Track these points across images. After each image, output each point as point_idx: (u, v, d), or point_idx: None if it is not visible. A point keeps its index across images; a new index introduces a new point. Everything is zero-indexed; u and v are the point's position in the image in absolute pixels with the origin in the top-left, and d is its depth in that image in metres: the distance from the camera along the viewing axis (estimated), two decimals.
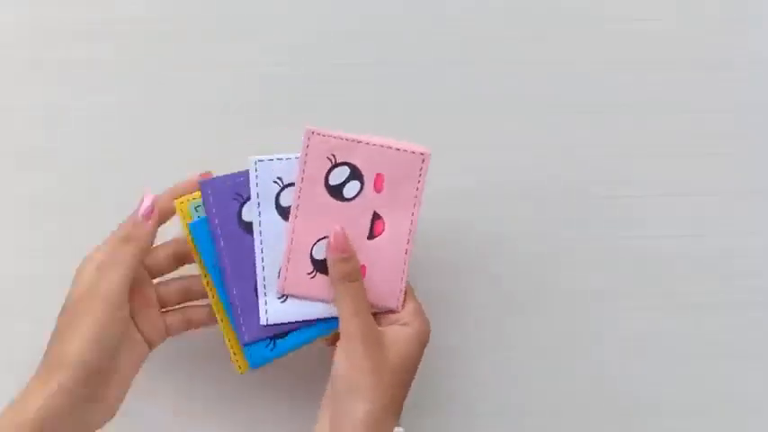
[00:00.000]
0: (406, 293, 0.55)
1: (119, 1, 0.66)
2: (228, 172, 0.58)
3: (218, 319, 0.55)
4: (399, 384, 0.52)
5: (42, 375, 0.51)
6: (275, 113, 0.65)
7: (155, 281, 0.57)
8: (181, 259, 0.57)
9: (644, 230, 0.65)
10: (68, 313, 0.52)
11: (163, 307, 0.57)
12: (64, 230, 0.64)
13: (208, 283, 0.55)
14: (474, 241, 0.64)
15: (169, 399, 0.63)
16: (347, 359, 0.51)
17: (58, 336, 0.52)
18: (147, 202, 0.54)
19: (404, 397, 0.53)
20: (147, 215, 0.54)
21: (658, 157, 0.66)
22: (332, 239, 0.53)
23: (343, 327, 0.52)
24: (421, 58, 0.66)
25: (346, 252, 0.53)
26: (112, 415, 0.53)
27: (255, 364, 0.54)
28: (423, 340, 0.54)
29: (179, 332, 0.57)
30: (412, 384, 0.54)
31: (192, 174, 0.56)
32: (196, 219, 0.54)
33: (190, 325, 0.57)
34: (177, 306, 0.57)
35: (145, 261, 0.55)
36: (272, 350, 0.54)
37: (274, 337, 0.54)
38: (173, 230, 0.57)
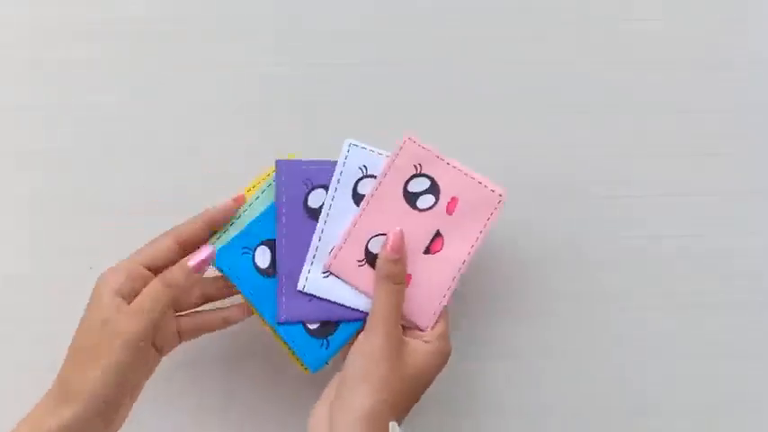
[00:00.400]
0: (439, 318, 0.55)
1: (119, 1, 0.66)
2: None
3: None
4: (408, 393, 0.52)
5: (57, 400, 0.51)
6: (275, 113, 0.65)
7: None
8: (184, 245, 0.56)
9: (644, 230, 0.65)
10: (91, 343, 0.51)
11: (178, 311, 0.56)
12: (63, 230, 0.64)
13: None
14: None
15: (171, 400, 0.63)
16: (367, 350, 0.52)
17: (76, 365, 0.51)
18: (203, 255, 0.54)
19: (409, 407, 0.53)
20: (199, 269, 0.53)
21: (658, 157, 0.66)
22: (390, 237, 0.54)
23: (372, 322, 0.53)
24: (421, 59, 0.66)
25: (399, 253, 0.54)
26: (120, 426, 0.53)
27: (315, 368, 0.55)
28: (441, 361, 0.54)
29: (191, 338, 0.57)
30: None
31: (225, 200, 0.56)
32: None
33: (201, 332, 0.57)
34: (189, 311, 0.57)
35: (153, 260, 0.54)
36: (326, 348, 0.55)
37: (324, 336, 0.55)
38: None
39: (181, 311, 0.57)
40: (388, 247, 0.54)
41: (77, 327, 0.52)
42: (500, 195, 0.55)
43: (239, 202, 0.56)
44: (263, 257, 0.56)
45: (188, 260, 0.53)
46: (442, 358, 0.54)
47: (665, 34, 0.67)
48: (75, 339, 0.52)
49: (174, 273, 0.53)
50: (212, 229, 0.56)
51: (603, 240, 0.65)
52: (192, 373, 0.63)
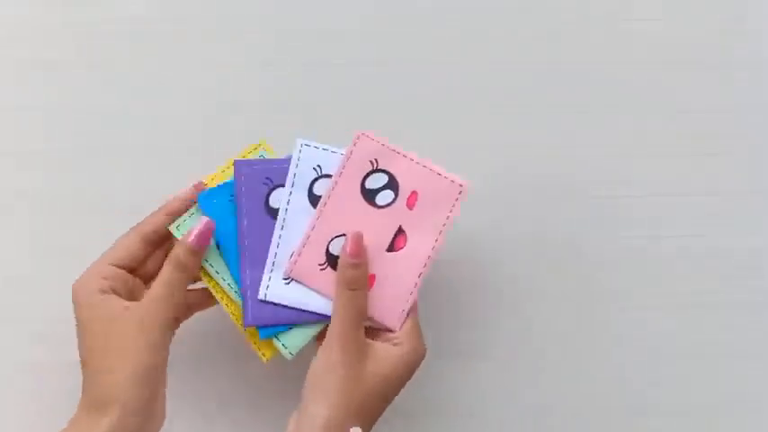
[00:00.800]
0: (408, 315, 0.54)
1: (119, 1, 0.66)
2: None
3: (235, 317, 0.55)
4: (374, 400, 0.51)
5: (90, 413, 0.50)
6: (275, 113, 0.65)
7: None
8: (150, 240, 0.55)
9: (644, 230, 0.65)
10: (107, 345, 0.50)
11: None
12: (63, 230, 0.64)
13: (215, 287, 0.55)
14: (474, 241, 0.64)
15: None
16: (324, 360, 0.51)
17: (99, 372, 0.50)
18: (199, 227, 0.53)
19: (377, 414, 0.52)
20: (199, 242, 0.53)
21: (658, 157, 0.66)
22: (349, 241, 0.52)
23: (330, 328, 0.52)
24: (421, 59, 0.66)
25: (358, 258, 0.52)
26: (164, 418, 0.53)
27: (266, 334, 0.54)
28: (411, 363, 0.52)
29: (184, 320, 0.57)
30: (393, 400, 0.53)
31: (185, 188, 0.55)
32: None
33: (191, 311, 0.57)
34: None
35: (123, 259, 0.54)
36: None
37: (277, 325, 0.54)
38: None
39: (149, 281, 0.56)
40: (347, 251, 0.52)
41: (78, 338, 0.52)
42: (460, 186, 0.54)
43: (198, 189, 0.55)
44: None
45: (186, 238, 0.53)
46: (415, 359, 0.53)
47: (665, 34, 0.67)
48: (84, 347, 0.51)
49: (179, 253, 0.52)
50: (175, 217, 0.55)
51: (603, 240, 0.65)
52: (190, 370, 0.63)
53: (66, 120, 0.65)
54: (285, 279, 0.54)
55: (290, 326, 0.54)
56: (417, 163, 0.54)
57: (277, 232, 0.54)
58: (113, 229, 0.63)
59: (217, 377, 0.63)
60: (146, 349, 0.50)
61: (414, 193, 0.54)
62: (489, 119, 0.65)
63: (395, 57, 0.66)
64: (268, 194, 0.54)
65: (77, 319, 0.52)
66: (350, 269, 0.52)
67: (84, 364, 0.51)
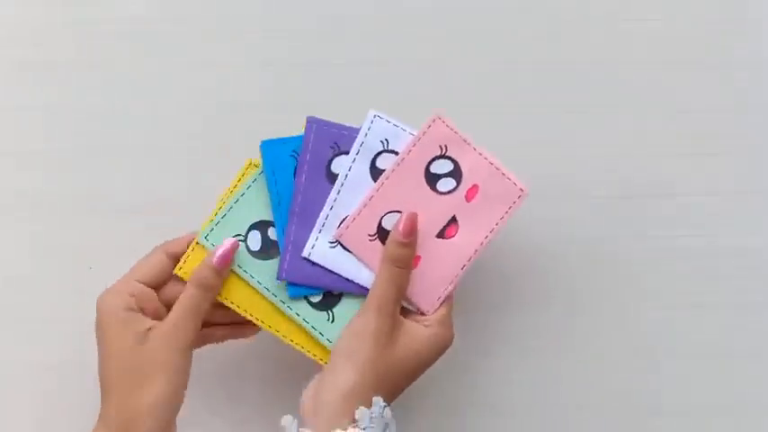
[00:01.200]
0: (443, 302, 0.54)
1: (119, 1, 0.66)
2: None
3: (281, 332, 0.55)
4: (399, 375, 0.52)
5: None
6: (275, 113, 0.65)
7: None
8: (177, 260, 0.55)
9: (644, 230, 0.65)
10: (132, 365, 0.50)
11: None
12: (63, 230, 0.64)
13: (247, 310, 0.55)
14: None
15: None
16: (357, 329, 0.52)
17: (123, 393, 0.50)
18: (225, 246, 0.53)
19: (398, 389, 0.53)
20: (223, 262, 0.53)
21: (658, 156, 0.66)
22: (403, 220, 0.53)
23: (368, 302, 0.52)
24: (420, 59, 0.66)
25: (409, 237, 0.53)
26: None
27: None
28: (438, 346, 0.54)
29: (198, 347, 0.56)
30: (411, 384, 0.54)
31: (186, 234, 0.55)
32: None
33: (207, 341, 0.57)
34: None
35: (148, 277, 0.54)
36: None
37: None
38: None
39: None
40: (400, 228, 0.53)
41: (101, 357, 0.51)
42: (521, 190, 0.55)
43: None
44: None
45: (211, 257, 0.53)
46: (441, 343, 0.54)
47: (665, 34, 0.67)
48: (108, 368, 0.51)
49: (203, 272, 0.52)
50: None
51: (603, 240, 0.65)
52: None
53: (66, 120, 0.65)
54: (331, 243, 0.55)
55: (320, 290, 0.54)
56: (485, 158, 0.55)
57: (333, 196, 0.54)
58: (113, 229, 0.63)
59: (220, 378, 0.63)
60: (173, 372, 0.50)
61: (475, 186, 0.55)
62: (489, 119, 0.65)
63: (395, 57, 0.66)
64: (331, 159, 0.55)
65: (101, 337, 0.51)
66: (399, 247, 0.53)
67: (106, 383, 0.51)
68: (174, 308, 0.52)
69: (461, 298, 0.62)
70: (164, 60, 0.65)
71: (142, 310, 0.52)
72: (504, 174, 0.55)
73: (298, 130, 0.55)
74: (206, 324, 0.54)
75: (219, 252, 0.53)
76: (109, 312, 0.51)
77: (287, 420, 0.49)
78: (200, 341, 0.55)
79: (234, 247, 0.53)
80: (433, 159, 0.55)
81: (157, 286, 0.54)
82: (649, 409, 0.64)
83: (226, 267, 0.53)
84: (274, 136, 0.58)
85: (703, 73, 0.67)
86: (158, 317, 0.53)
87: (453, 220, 0.54)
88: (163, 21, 0.66)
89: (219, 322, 0.56)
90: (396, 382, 0.52)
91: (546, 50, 0.66)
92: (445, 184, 0.55)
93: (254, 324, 0.55)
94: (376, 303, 0.52)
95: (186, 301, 0.52)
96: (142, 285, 0.53)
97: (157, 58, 0.65)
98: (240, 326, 0.56)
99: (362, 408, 0.49)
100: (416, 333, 0.53)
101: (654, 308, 0.65)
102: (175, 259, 0.54)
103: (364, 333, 0.51)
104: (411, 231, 0.53)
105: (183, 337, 0.51)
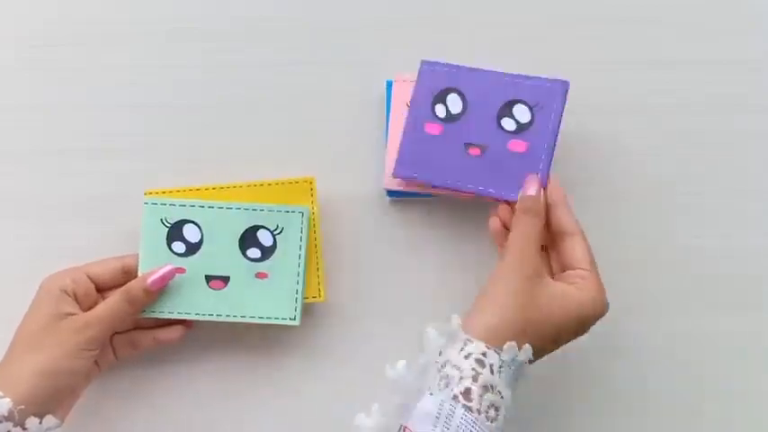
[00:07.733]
0: (595, 275, 0.55)
1: (119, 1, 0.66)
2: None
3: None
4: (545, 329, 0.52)
5: None
6: (275, 113, 0.65)
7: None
8: (129, 273, 0.58)
9: (644, 231, 0.65)
10: (36, 334, 0.54)
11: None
12: (63, 230, 0.64)
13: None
14: (474, 241, 0.64)
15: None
16: (504, 272, 0.53)
17: (16, 354, 0.54)
18: (162, 271, 0.57)
19: (545, 346, 0.53)
20: (157, 285, 0.56)
21: (659, 156, 0.66)
22: (530, 183, 0.57)
23: (509, 246, 0.54)
24: (420, 59, 0.66)
25: (538, 193, 0.56)
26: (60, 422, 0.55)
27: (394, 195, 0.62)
28: (587, 310, 0.54)
29: (123, 357, 0.60)
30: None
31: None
32: None
33: (133, 350, 0.60)
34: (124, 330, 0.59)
35: (97, 276, 0.57)
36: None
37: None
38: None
39: (103, 290, 0.58)
40: (532, 183, 0.57)
41: (23, 319, 0.55)
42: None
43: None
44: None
45: (147, 277, 0.56)
46: (592, 306, 0.54)
47: (666, 34, 0.67)
48: (20, 330, 0.55)
49: (135, 289, 0.56)
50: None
51: (603, 240, 0.65)
52: (188, 367, 0.63)
53: (66, 120, 0.65)
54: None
55: (418, 194, 0.62)
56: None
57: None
58: (113, 229, 0.63)
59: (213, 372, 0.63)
60: (63, 356, 0.53)
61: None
62: None
63: (394, 57, 0.66)
64: (435, 101, 0.61)
65: (32, 304, 0.56)
66: (530, 200, 0.56)
67: (14, 341, 0.55)
68: (97, 307, 0.55)
69: (467, 299, 0.62)
70: (163, 60, 0.66)
71: (76, 298, 0.55)
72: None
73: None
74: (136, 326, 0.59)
75: (156, 276, 0.56)
76: (46, 288, 0.56)
77: (454, 319, 0.52)
78: (127, 348, 0.59)
79: (170, 276, 0.57)
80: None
81: (101, 287, 0.58)
82: (648, 409, 0.64)
83: (158, 292, 0.57)
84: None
85: (703, 72, 0.66)
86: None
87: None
88: (163, 21, 0.66)
89: (144, 326, 0.59)
90: (545, 336, 0.52)
91: (547, 50, 0.66)
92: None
93: (182, 323, 0.59)
94: (518, 247, 0.54)
95: (109, 306, 0.55)
96: (87, 278, 0.57)
97: (157, 58, 0.66)
98: (166, 327, 0.59)
99: (512, 342, 0.50)
100: (565, 293, 0.53)
101: (654, 308, 0.65)
102: (128, 274, 0.58)
103: (508, 278, 0.53)
104: (539, 189, 0.57)
105: (92, 333, 0.54)
